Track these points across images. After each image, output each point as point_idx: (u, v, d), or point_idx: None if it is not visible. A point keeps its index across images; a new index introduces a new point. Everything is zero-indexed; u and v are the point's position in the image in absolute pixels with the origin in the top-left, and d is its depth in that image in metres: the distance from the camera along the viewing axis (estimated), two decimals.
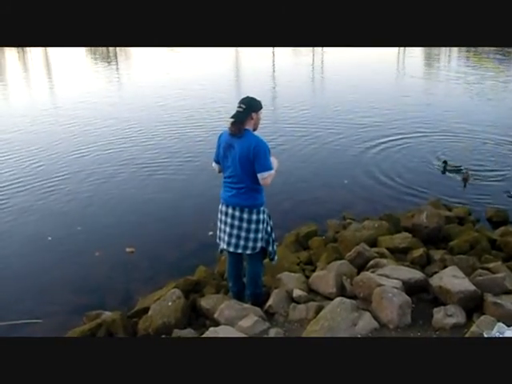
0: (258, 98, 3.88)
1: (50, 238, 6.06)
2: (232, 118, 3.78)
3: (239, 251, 3.97)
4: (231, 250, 3.98)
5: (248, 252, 3.97)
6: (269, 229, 4.04)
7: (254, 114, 3.80)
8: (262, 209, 3.92)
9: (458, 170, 7.82)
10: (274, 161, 3.90)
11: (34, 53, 28.70)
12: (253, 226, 3.88)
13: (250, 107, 3.78)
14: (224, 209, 3.96)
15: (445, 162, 8.00)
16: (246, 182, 3.80)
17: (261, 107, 3.87)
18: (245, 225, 3.87)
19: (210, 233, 5.90)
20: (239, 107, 3.76)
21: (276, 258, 4.21)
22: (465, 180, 7.49)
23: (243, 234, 3.89)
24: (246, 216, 3.86)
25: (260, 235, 3.93)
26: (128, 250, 5.59)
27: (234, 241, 3.93)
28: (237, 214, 3.87)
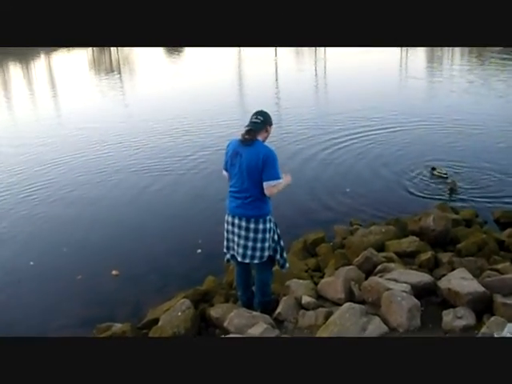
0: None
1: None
2: (248, 126, 3.83)
3: (247, 261, 3.98)
4: (239, 259, 3.99)
5: (255, 261, 3.98)
6: (276, 237, 4.04)
7: (268, 128, 3.90)
8: (268, 218, 3.92)
9: (444, 178, 7.64)
10: (286, 177, 3.96)
11: (38, 65, 28.93)
12: (259, 236, 3.88)
13: (266, 120, 3.88)
14: (230, 219, 3.97)
15: (433, 169, 7.87)
16: (252, 191, 3.81)
17: (272, 123, 3.98)
18: (251, 235, 3.88)
19: (199, 251, 5.90)
20: (256, 118, 3.85)
21: (287, 265, 4.21)
22: (451, 190, 7.26)
23: (250, 243, 3.90)
24: (252, 226, 3.86)
25: (267, 244, 3.93)
26: (113, 272, 5.59)
27: (241, 251, 3.93)
28: (243, 224, 3.88)
